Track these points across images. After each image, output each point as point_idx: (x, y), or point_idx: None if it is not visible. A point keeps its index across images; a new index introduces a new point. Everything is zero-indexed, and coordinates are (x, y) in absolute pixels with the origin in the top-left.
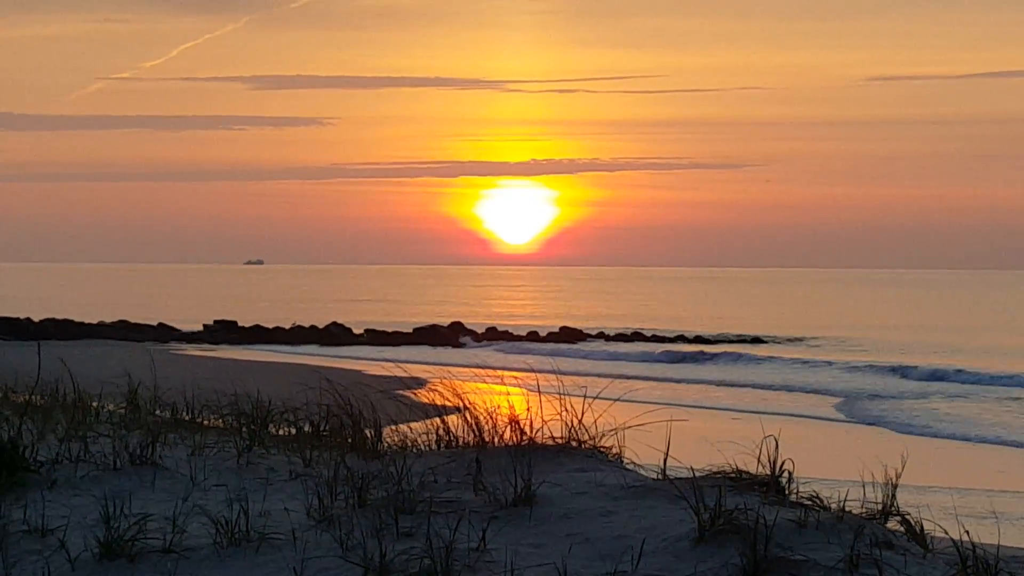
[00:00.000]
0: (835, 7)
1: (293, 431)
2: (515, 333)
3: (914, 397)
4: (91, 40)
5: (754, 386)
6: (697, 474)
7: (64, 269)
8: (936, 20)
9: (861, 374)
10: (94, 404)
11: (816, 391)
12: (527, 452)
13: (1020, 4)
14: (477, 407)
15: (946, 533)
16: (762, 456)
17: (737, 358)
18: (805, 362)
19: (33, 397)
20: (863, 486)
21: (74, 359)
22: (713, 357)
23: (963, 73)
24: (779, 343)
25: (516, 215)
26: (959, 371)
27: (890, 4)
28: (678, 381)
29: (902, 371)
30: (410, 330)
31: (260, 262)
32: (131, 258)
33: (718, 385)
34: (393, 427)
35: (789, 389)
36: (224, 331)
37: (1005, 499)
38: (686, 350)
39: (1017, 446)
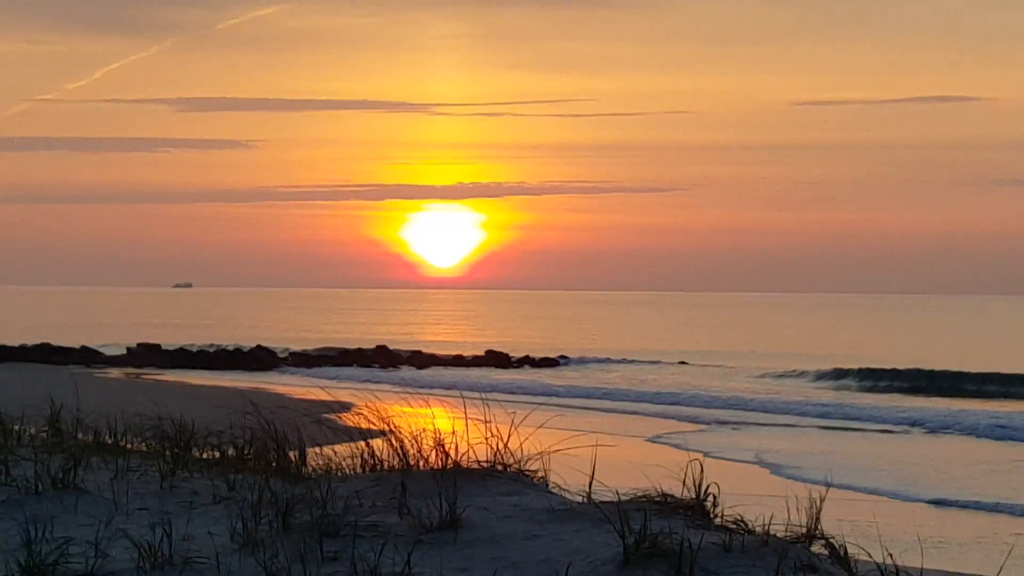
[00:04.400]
0: (760, 32)
1: (217, 455)
2: (441, 356)
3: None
4: (14, 61)
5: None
6: (622, 498)
7: None
8: (860, 45)
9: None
10: (15, 427)
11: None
12: (452, 476)
13: (944, 30)
14: (402, 430)
15: (870, 556)
16: (687, 480)
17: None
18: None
19: None
20: (787, 509)
21: None
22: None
23: (887, 98)
24: (701, 366)
25: (443, 238)
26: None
27: (814, 29)
28: (598, 411)
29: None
30: (336, 353)
31: (189, 285)
32: (57, 281)
33: (618, 412)
34: (318, 450)
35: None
36: (148, 354)
37: (928, 523)
38: (606, 374)
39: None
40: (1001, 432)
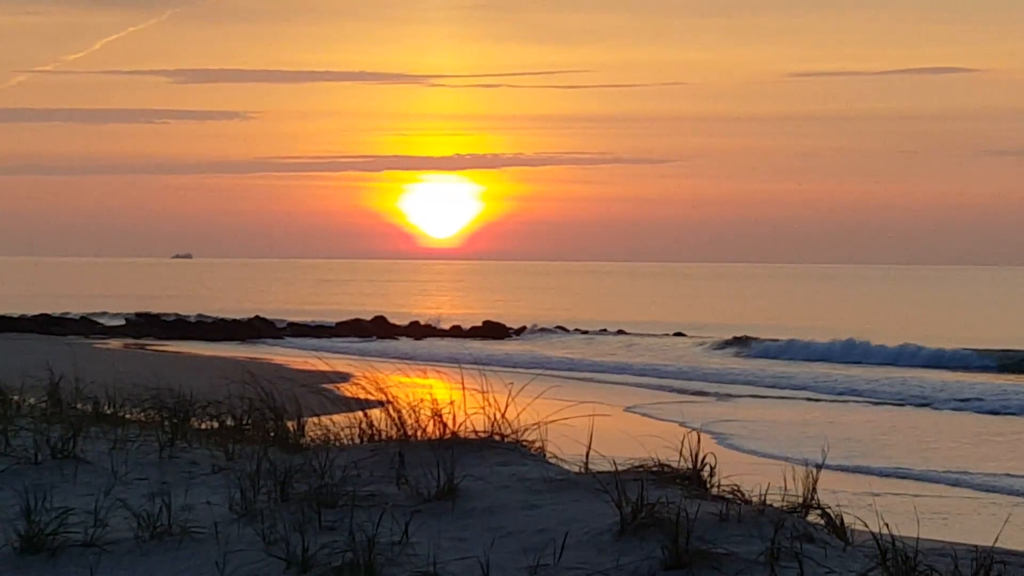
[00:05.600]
0: (756, 3)
1: (215, 425)
2: (438, 327)
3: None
4: (12, 32)
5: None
6: (619, 468)
7: None
8: (855, 17)
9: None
10: (15, 398)
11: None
12: (450, 446)
13: (939, 2)
14: (400, 401)
15: (866, 526)
16: (684, 450)
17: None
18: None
19: None
20: (784, 479)
21: None
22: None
23: (883, 70)
24: (694, 337)
25: (440, 209)
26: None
27: (810, 0)
28: (598, 381)
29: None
30: (334, 324)
31: (189, 256)
32: (56, 251)
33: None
34: (316, 420)
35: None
36: (147, 325)
37: (924, 495)
38: (603, 346)
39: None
40: (963, 405)
